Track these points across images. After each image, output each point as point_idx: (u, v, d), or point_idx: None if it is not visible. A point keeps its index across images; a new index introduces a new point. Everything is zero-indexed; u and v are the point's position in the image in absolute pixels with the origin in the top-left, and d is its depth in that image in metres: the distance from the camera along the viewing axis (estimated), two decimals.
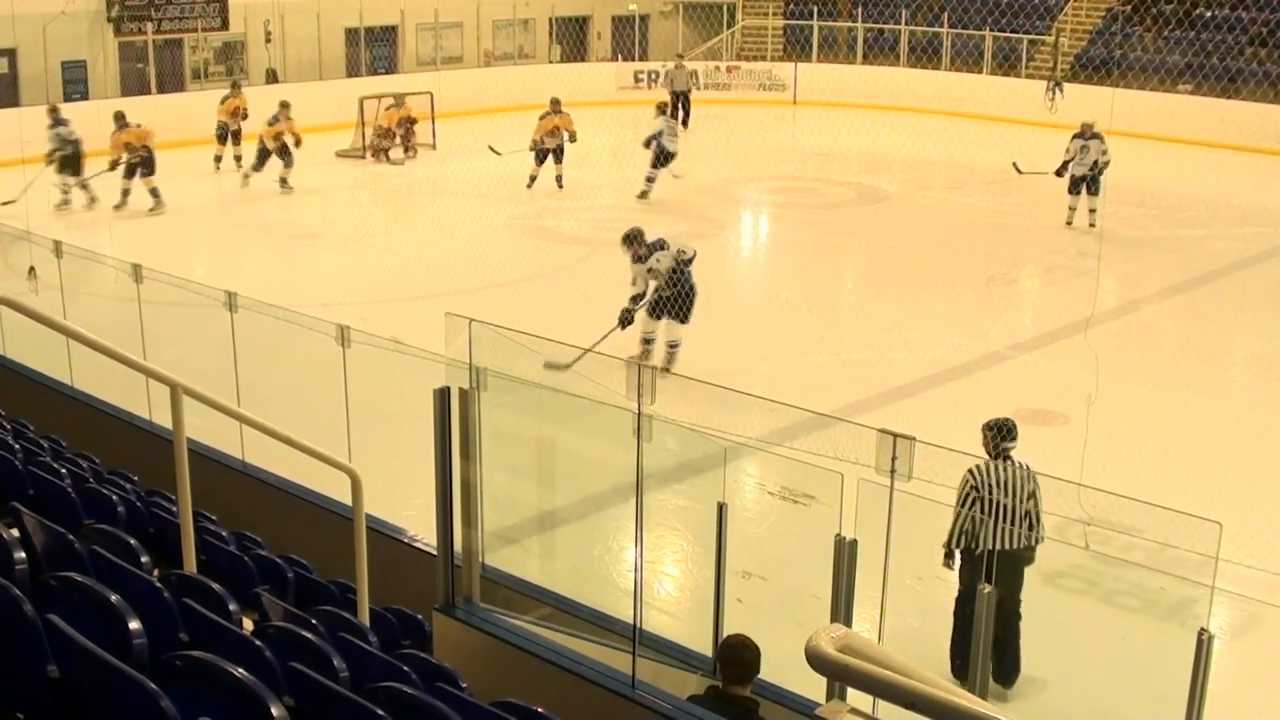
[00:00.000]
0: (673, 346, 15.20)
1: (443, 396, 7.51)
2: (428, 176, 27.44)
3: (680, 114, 31.53)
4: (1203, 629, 5.82)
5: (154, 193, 22.13)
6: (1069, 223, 21.89)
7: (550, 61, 38.44)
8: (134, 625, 4.16)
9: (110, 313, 13.26)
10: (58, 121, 22.26)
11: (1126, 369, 14.99)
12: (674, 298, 15.08)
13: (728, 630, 7.16)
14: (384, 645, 6.27)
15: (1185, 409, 14.41)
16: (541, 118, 24.75)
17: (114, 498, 7.66)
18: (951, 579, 8.48)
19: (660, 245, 15.17)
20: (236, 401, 10.02)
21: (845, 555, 6.50)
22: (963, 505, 8.33)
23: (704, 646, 7.22)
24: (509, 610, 7.71)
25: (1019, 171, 20.89)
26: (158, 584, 5.12)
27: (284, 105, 25.31)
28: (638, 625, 7.16)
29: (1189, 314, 18.38)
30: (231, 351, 11.43)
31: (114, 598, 4.25)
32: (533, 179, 24.71)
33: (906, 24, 38.00)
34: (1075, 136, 21.60)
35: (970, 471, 8.29)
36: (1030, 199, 26.03)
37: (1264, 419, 14.22)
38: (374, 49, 36.07)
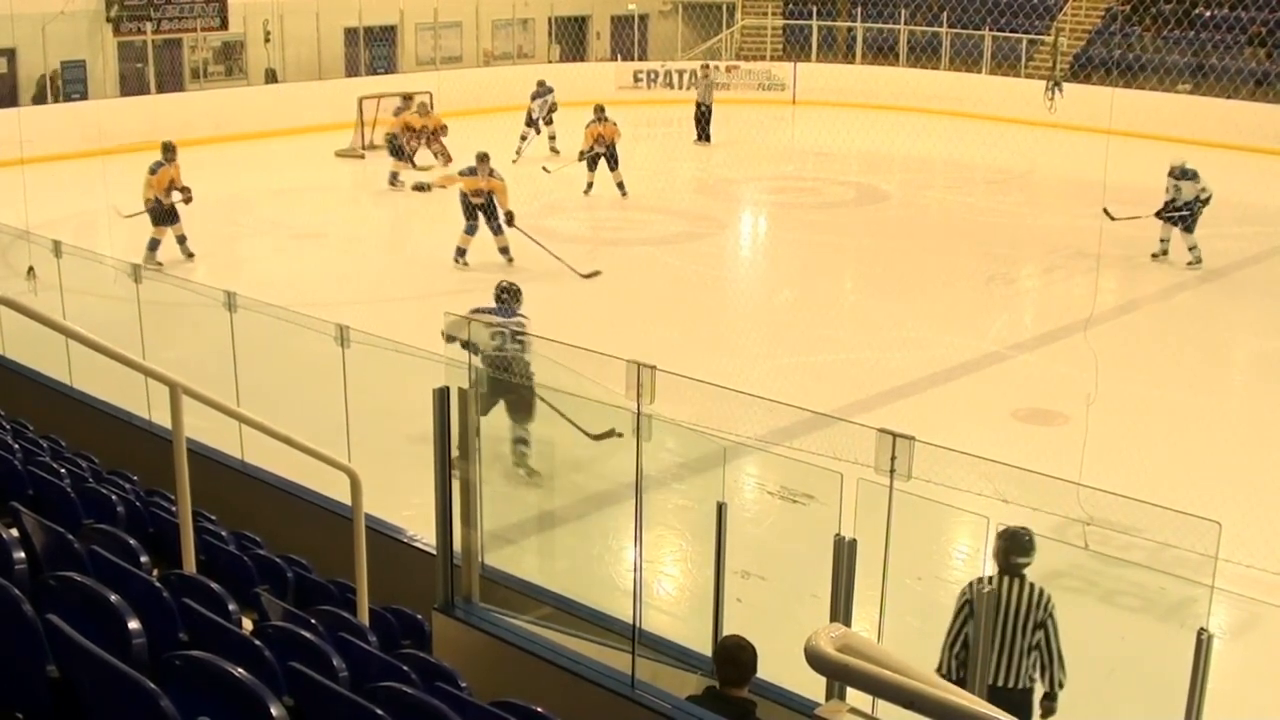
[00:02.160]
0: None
1: (442, 396, 7.50)
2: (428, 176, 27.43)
3: (702, 125, 31.23)
4: (1202, 629, 5.82)
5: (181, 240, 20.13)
6: (1156, 255, 20.49)
7: (549, 61, 38.40)
8: (133, 625, 4.16)
9: (109, 312, 13.26)
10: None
11: (1126, 368, 14.99)
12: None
13: (727, 630, 7.16)
14: (383, 645, 6.27)
15: (1185, 408, 14.41)
16: (587, 126, 24.71)
17: (113, 497, 7.66)
18: (953, 578, 8.47)
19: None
20: (236, 401, 10.02)
21: (845, 555, 6.50)
22: (955, 624, 7.47)
23: (703, 646, 7.21)
24: (508, 610, 7.70)
25: (1111, 218, 20.04)
26: (157, 584, 5.12)
27: (407, 99, 26.87)
28: (637, 625, 7.16)
29: (1189, 313, 18.39)
30: (231, 351, 11.43)
31: (113, 597, 4.24)
32: (589, 185, 24.75)
33: (906, 24, 37.99)
34: (1169, 175, 20.46)
35: (970, 585, 7.44)
36: (1030, 199, 26.07)
37: (1264, 418, 14.22)
38: (373, 49, 36.06)
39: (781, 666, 6.69)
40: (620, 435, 13.54)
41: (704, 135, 31.00)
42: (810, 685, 6.04)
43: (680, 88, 36.70)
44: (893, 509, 6.28)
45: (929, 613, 8.63)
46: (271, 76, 33.88)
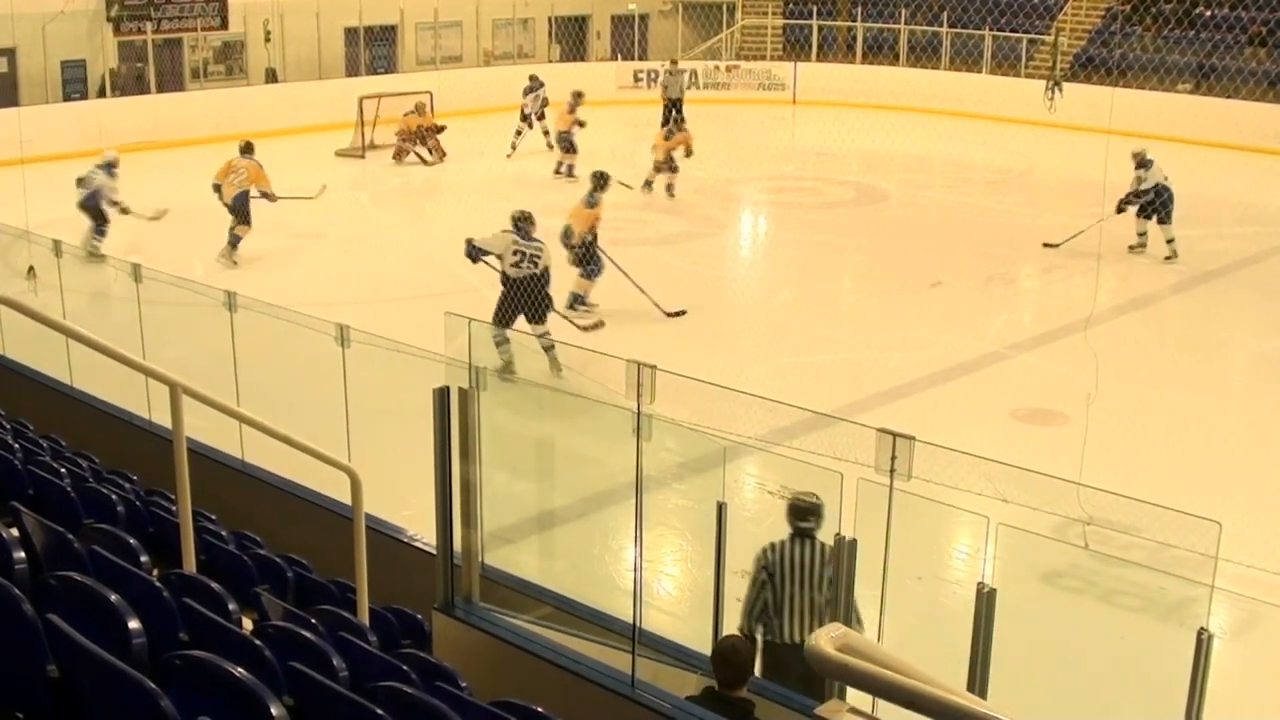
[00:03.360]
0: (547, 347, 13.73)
1: (442, 396, 7.51)
2: (427, 176, 27.46)
3: (672, 121, 31.43)
4: (1202, 628, 5.82)
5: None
6: (1134, 247, 20.79)
7: (550, 61, 38.41)
8: (133, 625, 4.16)
9: (110, 312, 13.27)
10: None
11: (1126, 368, 14.99)
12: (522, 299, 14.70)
13: (727, 630, 7.16)
14: (383, 645, 6.28)
15: (1185, 408, 14.42)
16: (666, 138, 24.84)
17: (113, 497, 7.67)
18: (955, 578, 8.49)
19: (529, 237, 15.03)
20: (236, 401, 10.02)
21: (845, 554, 6.51)
22: (753, 588, 7.82)
23: (704, 646, 7.22)
24: (508, 610, 7.71)
25: (1055, 247, 20.23)
26: (157, 583, 5.12)
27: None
28: (637, 625, 7.16)
29: (1189, 313, 18.39)
30: (231, 351, 11.44)
31: (114, 597, 4.25)
32: (670, 188, 24.82)
33: (906, 23, 38.00)
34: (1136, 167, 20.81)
35: (763, 550, 7.76)
36: (1030, 199, 26.07)
37: (1264, 418, 14.23)
38: (373, 48, 36.07)
39: None
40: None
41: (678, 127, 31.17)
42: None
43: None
44: (893, 509, 6.29)
45: (930, 612, 8.64)
46: (272, 76, 33.89)
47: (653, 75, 36.71)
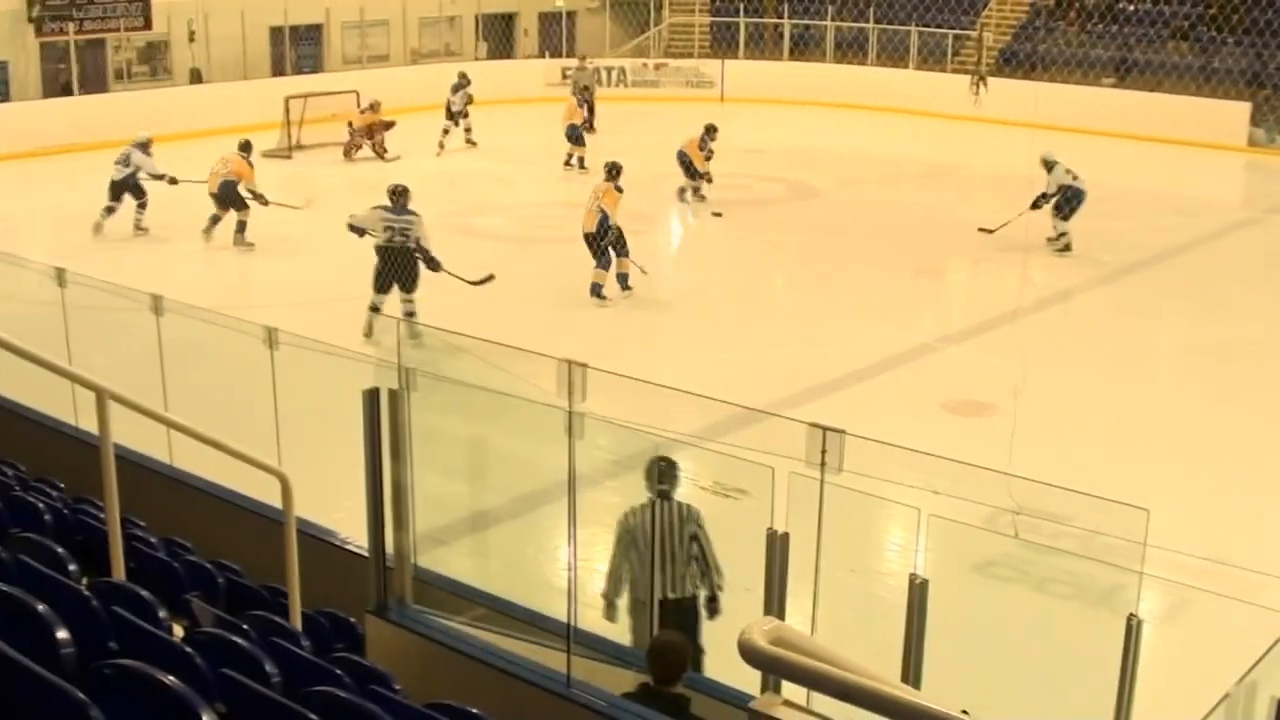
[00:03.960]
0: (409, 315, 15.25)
1: (372, 398, 7.47)
2: (352, 176, 27.31)
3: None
4: (1132, 614, 5.87)
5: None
6: (1050, 240, 21.01)
7: (477, 59, 38.31)
8: (62, 635, 4.12)
9: (33, 317, 13.11)
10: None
11: (1054, 359, 15.13)
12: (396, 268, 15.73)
13: (663, 626, 7.17)
14: (317, 649, 6.24)
15: (1112, 398, 14.57)
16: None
17: (40, 505, 7.58)
18: (886, 570, 8.52)
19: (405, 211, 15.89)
20: (164, 406, 9.94)
21: (777, 548, 6.53)
22: (617, 551, 8.13)
23: (639, 643, 7.22)
24: (442, 611, 7.68)
25: (990, 232, 20.51)
26: (86, 592, 5.07)
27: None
28: (572, 624, 7.16)
29: (1115, 304, 18.57)
30: (159, 355, 11.33)
31: (41, 607, 4.20)
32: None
33: (832, 20, 38.18)
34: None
35: (625, 515, 8.03)
36: (959, 193, 26.23)
37: (1189, 407, 14.40)
38: (299, 48, 35.82)
39: (717, 661, 6.70)
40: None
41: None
42: (746, 679, 6.06)
43: (609, 85, 36.72)
44: (824, 502, 6.31)
45: (863, 604, 8.68)
46: (196, 76, 33.60)
47: (594, 72, 36.75)
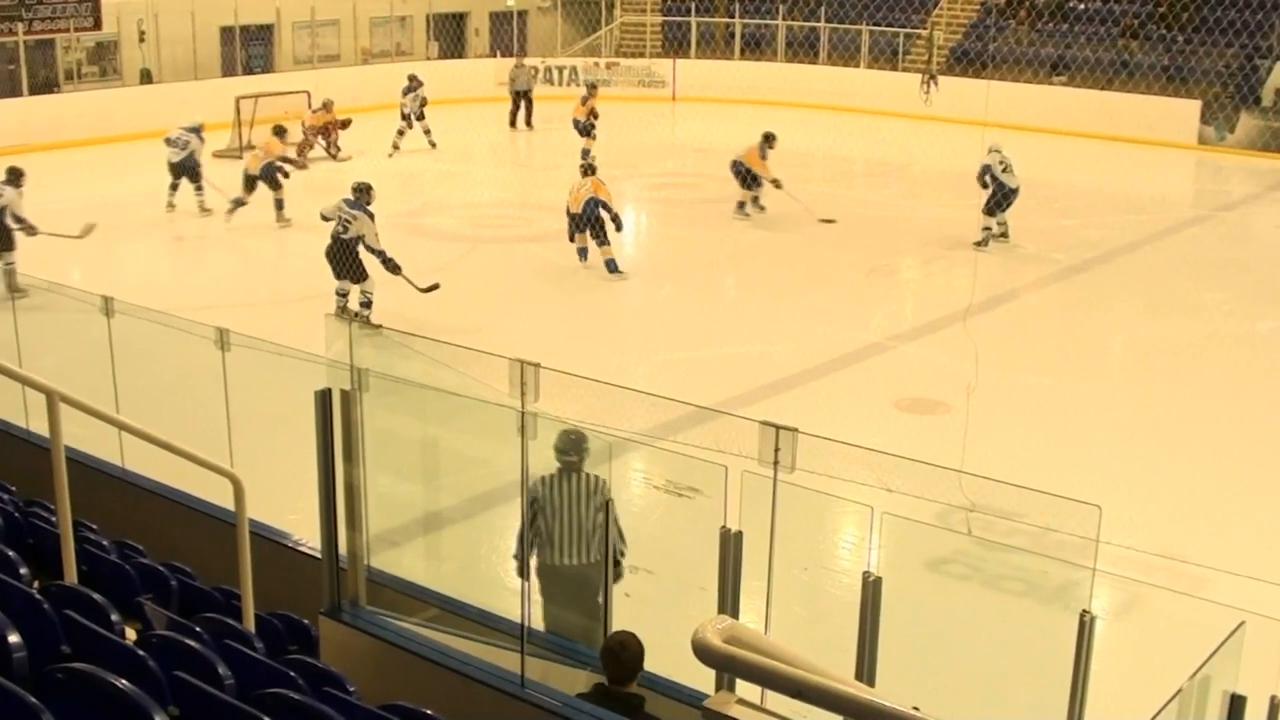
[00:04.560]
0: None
1: (324, 398, 7.45)
2: (303, 176, 27.17)
3: (524, 113, 33.06)
4: (1085, 610, 5.90)
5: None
6: (990, 240, 21.19)
7: (428, 58, 38.23)
8: (13, 639, 4.10)
9: None
10: None
11: (1006, 357, 15.21)
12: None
13: (616, 625, 7.17)
14: (270, 651, 6.22)
15: (1063, 395, 14.65)
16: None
17: None
18: (839, 568, 8.55)
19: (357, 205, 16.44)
20: (115, 408, 9.88)
21: (730, 547, 6.54)
22: (526, 518, 8.26)
23: (593, 643, 7.22)
24: (396, 612, 7.67)
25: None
26: (37, 596, 5.04)
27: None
28: (525, 624, 7.15)
29: (1066, 302, 18.66)
30: (109, 357, 11.26)
31: None
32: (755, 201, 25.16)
33: (784, 19, 38.28)
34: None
35: (534, 484, 8.13)
36: (910, 191, 26.33)
37: (1139, 404, 14.49)
38: (250, 48, 35.65)
39: (671, 660, 6.71)
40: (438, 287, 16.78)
41: (527, 122, 32.86)
42: (700, 678, 6.07)
43: (560, 84, 36.75)
44: (777, 500, 6.33)
45: (816, 602, 8.70)
46: (146, 77, 33.40)
47: (531, 72, 36.76)
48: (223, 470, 8.25)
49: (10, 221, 17.98)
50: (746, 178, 23.39)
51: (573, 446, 8.21)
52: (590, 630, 7.81)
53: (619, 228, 19.57)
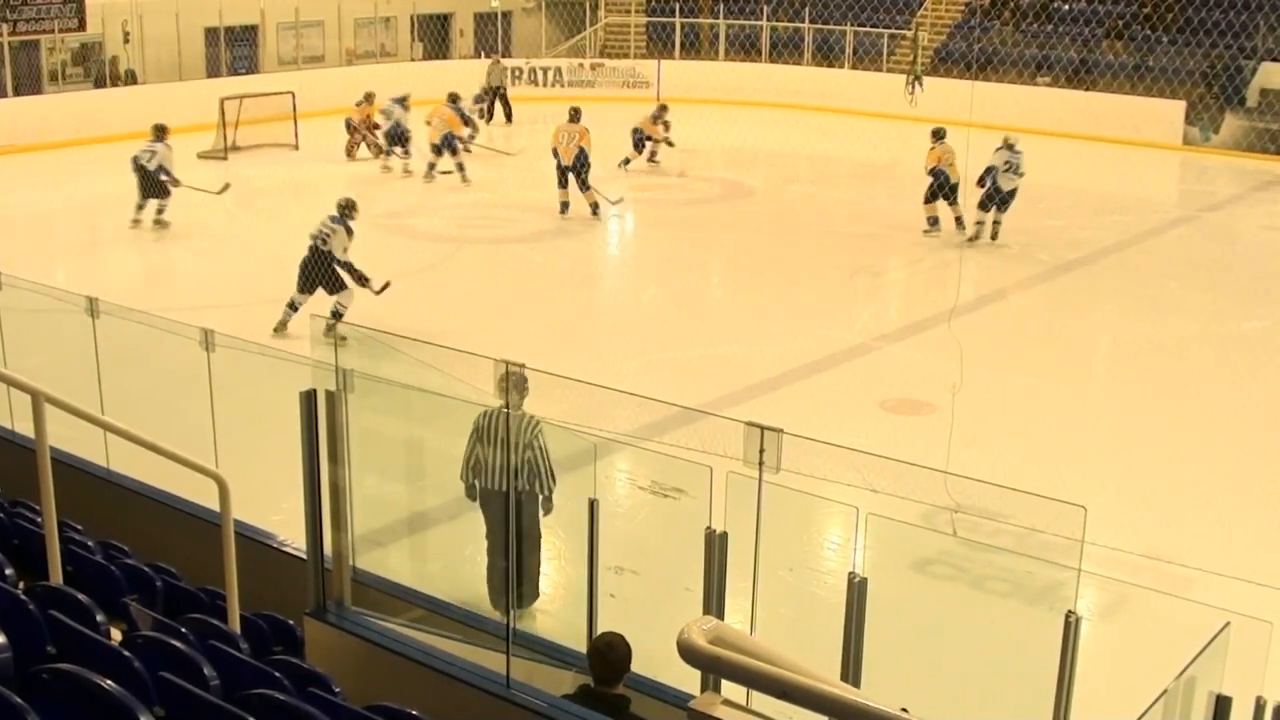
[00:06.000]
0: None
1: (309, 399, 7.44)
2: (292, 177, 27.16)
3: (500, 110, 33.70)
4: (1070, 611, 5.91)
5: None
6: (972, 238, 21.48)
7: (413, 59, 38.23)
8: None
9: None
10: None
11: (991, 357, 15.23)
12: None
13: (602, 626, 7.17)
14: (255, 652, 6.21)
15: (1049, 396, 14.67)
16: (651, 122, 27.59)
17: None
18: (825, 568, 8.56)
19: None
20: (100, 409, 9.86)
21: (716, 547, 6.54)
22: (469, 444, 8.97)
23: (579, 644, 7.22)
24: (381, 613, 7.66)
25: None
26: (23, 596, 5.03)
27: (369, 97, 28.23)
28: (511, 624, 7.15)
29: (1051, 302, 18.70)
30: (94, 358, 11.23)
31: None
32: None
33: (768, 20, 38.30)
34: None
35: (479, 415, 8.77)
36: (894, 192, 26.34)
37: (1125, 405, 14.51)
38: (234, 49, 35.59)
39: (656, 661, 6.72)
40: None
41: (507, 116, 33.70)
42: (686, 679, 6.07)
43: (544, 85, 36.78)
44: (762, 501, 6.33)
45: (802, 603, 8.71)
46: (131, 78, 33.32)
47: (516, 72, 36.78)
48: (208, 471, 8.23)
49: (161, 175, 20.86)
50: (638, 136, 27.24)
51: (514, 386, 8.66)
52: (526, 559, 8.80)
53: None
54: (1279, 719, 5.86)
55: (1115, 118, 30.72)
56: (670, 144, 28.05)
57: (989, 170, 20.62)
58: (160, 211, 21.51)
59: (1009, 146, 20.79)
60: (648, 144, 27.76)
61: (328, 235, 16.19)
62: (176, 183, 21.02)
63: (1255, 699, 5.87)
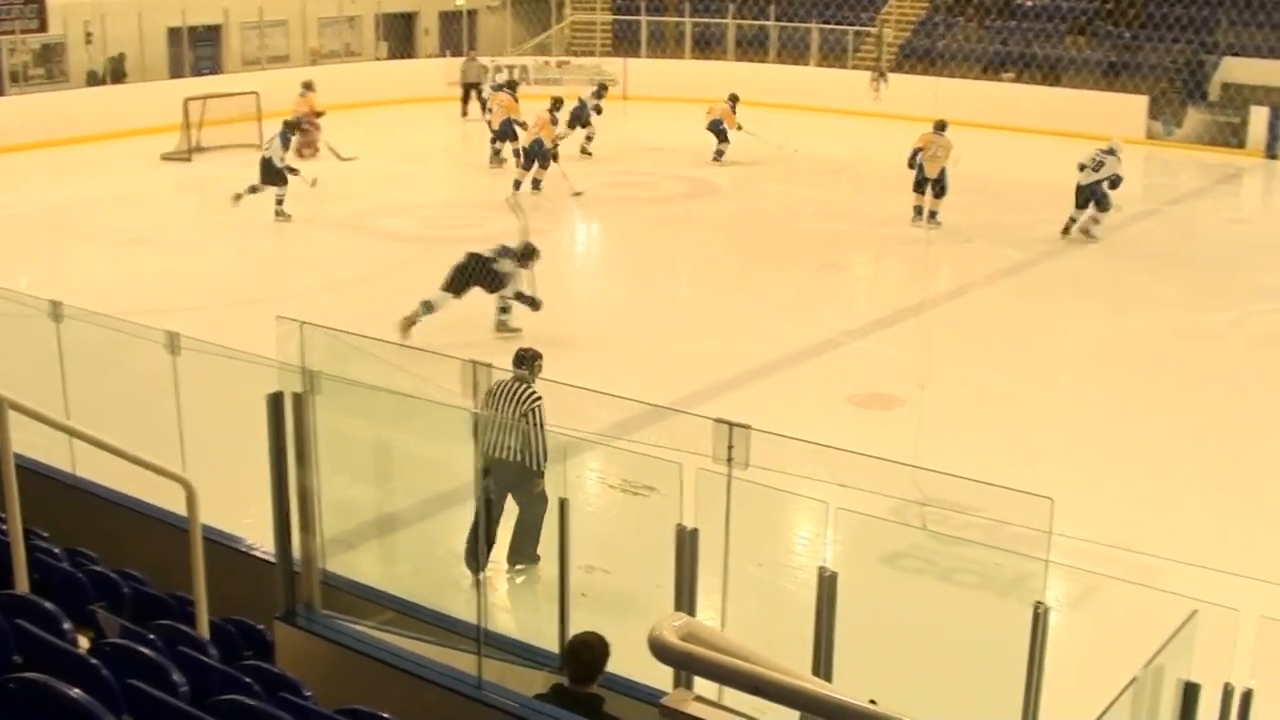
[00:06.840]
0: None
1: (275, 401, 7.41)
2: (257, 178, 27.01)
3: (476, 104, 33.36)
4: (1039, 602, 5.93)
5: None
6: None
7: (378, 59, 38.16)
8: None
9: None
10: None
11: (958, 352, 15.27)
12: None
13: (574, 625, 7.16)
14: (225, 657, 6.18)
15: (1016, 389, 14.72)
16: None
17: None
18: (795, 563, 8.56)
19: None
20: (65, 414, 9.80)
21: (687, 544, 6.54)
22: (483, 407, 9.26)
23: (550, 644, 7.21)
24: (351, 616, 7.63)
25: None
26: None
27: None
28: (482, 626, 7.13)
29: (1018, 297, 18.76)
30: (59, 362, 11.16)
31: None
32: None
33: (734, 18, 38.35)
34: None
35: (493, 382, 9.33)
36: (860, 188, 26.42)
37: (1091, 398, 14.58)
38: (198, 49, 35.40)
39: (629, 658, 6.71)
40: None
41: (483, 111, 32.61)
42: (658, 676, 6.07)
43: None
44: (731, 497, 6.33)
45: (772, 598, 8.72)
46: (94, 78, 33.14)
47: (481, 67, 36.76)
48: (175, 475, 8.18)
49: (277, 162, 21.85)
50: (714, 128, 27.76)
51: (523, 362, 10.29)
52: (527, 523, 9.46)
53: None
54: (1246, 704, 5.89)
55: (1079, 113, 30.81)
56: (599, 111, 29.21)
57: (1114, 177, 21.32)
58: (279, 202, 22.03)
59: (1110, 151, 21.09)
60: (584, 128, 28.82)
61: (507, 276, 16.02)
62: (292, 170, 22.05)
63: (1223, 685, 5.90)
